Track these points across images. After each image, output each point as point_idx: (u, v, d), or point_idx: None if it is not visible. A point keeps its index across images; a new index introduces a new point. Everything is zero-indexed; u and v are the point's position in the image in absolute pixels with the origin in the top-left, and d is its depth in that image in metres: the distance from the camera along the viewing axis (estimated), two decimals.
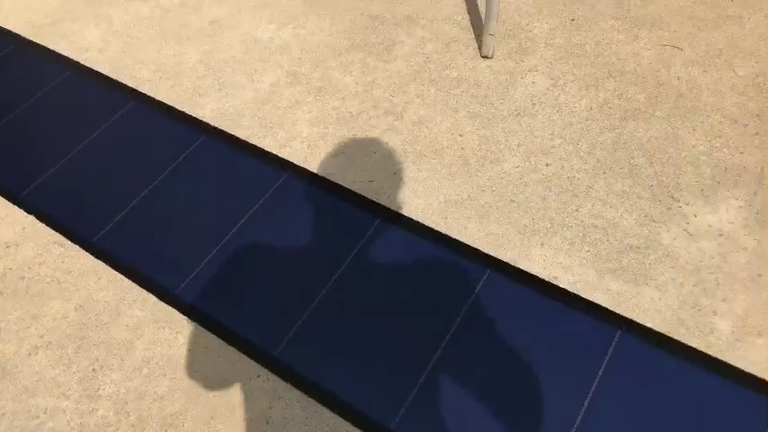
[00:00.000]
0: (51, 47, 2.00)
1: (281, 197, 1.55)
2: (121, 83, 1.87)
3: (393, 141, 1.64)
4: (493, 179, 1.54)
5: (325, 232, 1.47)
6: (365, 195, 1.54)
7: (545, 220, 1.45)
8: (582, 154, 1.56)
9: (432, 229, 1.45)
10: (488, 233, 1.44)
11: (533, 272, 1.37)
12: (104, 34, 2.03)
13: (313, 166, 1.61)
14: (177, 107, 1.80)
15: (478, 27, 1.87)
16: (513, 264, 1.38)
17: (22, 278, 1.48)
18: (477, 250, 1.41)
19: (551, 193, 1.49)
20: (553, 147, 1.58)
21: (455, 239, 1.43)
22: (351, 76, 1.81)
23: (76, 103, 1.84)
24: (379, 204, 1.52)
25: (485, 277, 1.36)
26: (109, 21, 2.07)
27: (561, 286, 1.34)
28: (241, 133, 1.71)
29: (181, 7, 2.08)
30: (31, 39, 2.03)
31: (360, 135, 1.66)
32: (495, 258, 1.39)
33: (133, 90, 1.85)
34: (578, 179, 1.51)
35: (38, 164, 1.70)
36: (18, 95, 1.88)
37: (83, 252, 1.50)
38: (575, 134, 1.60)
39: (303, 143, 1.67)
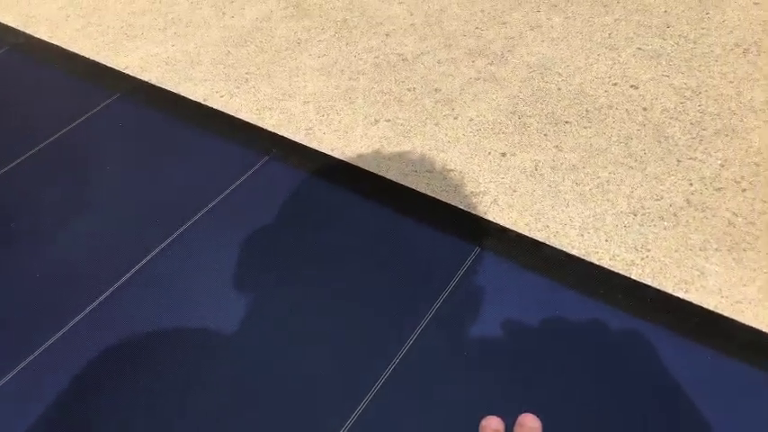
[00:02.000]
0: None
1: (258, 193, 0.71)
2: None
3: (488, 98, 0.81)
4: (721, 161, 0.68)
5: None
6: (447, 202, 0.69)
7: None
8: None
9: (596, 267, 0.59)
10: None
11: None
12: None
13: (327, 146, 0.78)
14: (90, 57, 1.00)
15: None
16: None
17: None
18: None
19: None
20: None
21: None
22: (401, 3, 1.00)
23: None
24: (481, 219, 0.67)
25: None
26: None
27: None
28: (190, 91, 0.89)
29: None
30: None
31: (421, 89, 0.84)
32: None
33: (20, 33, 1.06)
34: None
35: None
36: None
37: None
38: None
39: (307, 105, 0.84)
